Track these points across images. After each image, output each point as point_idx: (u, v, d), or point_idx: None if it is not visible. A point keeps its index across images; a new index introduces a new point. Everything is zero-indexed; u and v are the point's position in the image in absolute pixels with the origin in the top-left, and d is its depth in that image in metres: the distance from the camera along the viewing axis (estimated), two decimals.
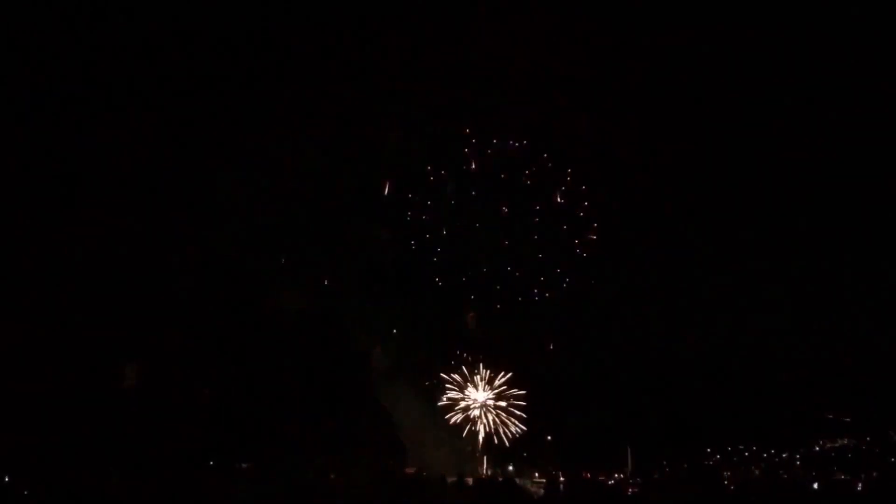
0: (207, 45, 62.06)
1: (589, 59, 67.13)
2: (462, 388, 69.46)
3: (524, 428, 69.65)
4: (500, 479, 68.76)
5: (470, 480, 66.51)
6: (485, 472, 69.37)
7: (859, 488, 63.54)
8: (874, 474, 65.80)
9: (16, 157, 59.53)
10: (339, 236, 66.86)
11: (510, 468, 70.85)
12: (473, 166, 70.02)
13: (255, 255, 64.45)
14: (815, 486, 65.55)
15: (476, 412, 69.80)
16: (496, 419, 69.74)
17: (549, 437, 71.14)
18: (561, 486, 69.04)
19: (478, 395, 69.58)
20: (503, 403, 69.64)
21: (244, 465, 60.58)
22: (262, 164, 64.27)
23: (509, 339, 69.00)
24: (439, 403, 68.83)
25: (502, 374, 69.44)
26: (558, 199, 70.29)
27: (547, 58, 67.41)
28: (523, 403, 69.40)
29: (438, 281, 68.25)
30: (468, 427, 69.57)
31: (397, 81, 66.46)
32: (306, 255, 65.98)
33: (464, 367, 69.55)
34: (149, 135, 62.69)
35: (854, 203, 73.43)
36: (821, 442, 71.53)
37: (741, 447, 72.51)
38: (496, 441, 69.99)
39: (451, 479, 64.72)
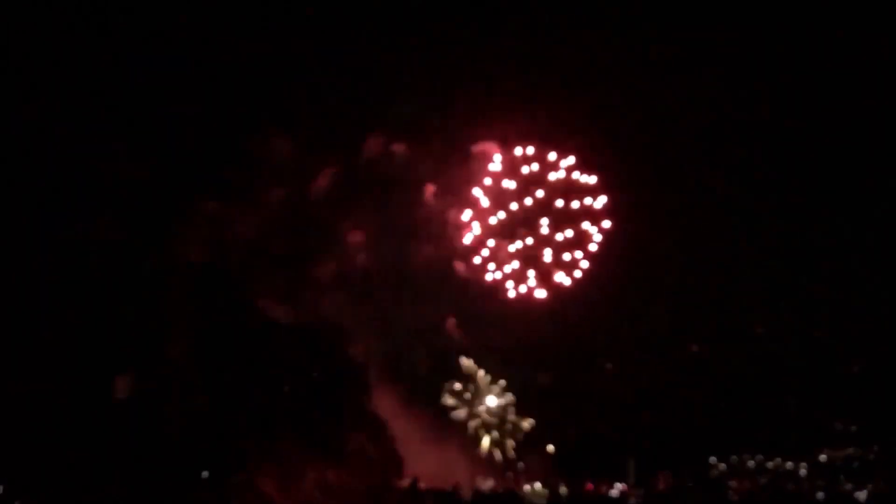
0: (197, 45, 62.34)
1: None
2: (460, 397, 68.87)
3: (525, 438, 69.08)
4: (501, 490, 67.87)
5: (469, 492, 65.89)
6: (485, 483, 68.40)
7: (863, 498, 62.56)
8: (881, 484, 64.77)
9: (5, 160, 59.84)
10: (332, 241, 66.78)
11: (511, 479, 69.85)
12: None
13: (250, 263, 64.32)
14: (821, 495, 64.64)
15: (475, 422, 69.15)
16: (496, 429, 69.08)
17: (550, 448, 70.35)
18: (563, 497, 68.28)
19: (477, 404, 68.92)
20: (503, 413, 68.97)
21: (238, 477, 60.04)
22: (256, 170, 64.33)
23: (505, 347, 68.36)
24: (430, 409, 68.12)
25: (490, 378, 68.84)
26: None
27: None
28: (524, 426, 68.63)
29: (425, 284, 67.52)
30: (467, 438, 68.87)
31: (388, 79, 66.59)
32: (300, 262, 65.88)
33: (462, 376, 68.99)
34: (144, 141, 62.94)
35: (863, 209, 72.68)
36: (827, 451, 70.59)
37: (745, 457, 71.63)
38: (496, 452, 69.20)
39: (448, 491, 64.11)
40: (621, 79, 69.42)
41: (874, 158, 69.61)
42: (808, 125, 70.25)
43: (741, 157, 72.61)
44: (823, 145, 70.62)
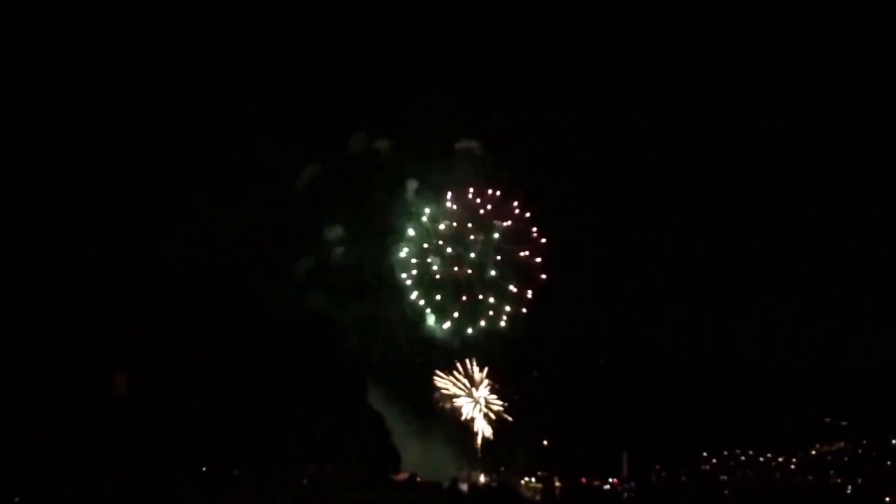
0: (197, 45, 62.32)
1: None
2: (457, 392, 69.00)
3: (520, 432, 69.25)
4: (496, 484, 68.24)
5: (465, 486, 66.25)
6: (480, 477, 68.79)
7: (853, 491, 63.51)
8: (870, 477, 65.66)
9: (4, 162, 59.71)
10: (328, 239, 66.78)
11: (505, 473, 70.19)
12: None
13: (246, 261, 64.25)
14: (812, 488, 65.45)
15: (471, 415, 69.30)
16: (491, 423, 69.29)
17: (544, 442, 70.68)
18: (557, 491, 68.76)
19: (474, 399, 69.10)
20: (498, 408, 69.21)
21: (236, 472, 60.28)
22: (253, 170, 64.21)
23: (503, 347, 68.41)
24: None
25: (487, 376, 69.00)
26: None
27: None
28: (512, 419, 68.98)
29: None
30: (463, 432, 69.02)
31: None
32: (296, 259, 65.91)
33: (458, 372, 69.10)
34: (140, 143, 62.92)
35: (855, 210, 73.57)
36: (818, 445, 71.34)
37: (737, 451, 72.21)
38: (491, 446, 69.40)
39: (445, 485, 64.45)
40: None
41: (874, 158, 70.40)
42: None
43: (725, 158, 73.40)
44: (825, 144, 71.25)
